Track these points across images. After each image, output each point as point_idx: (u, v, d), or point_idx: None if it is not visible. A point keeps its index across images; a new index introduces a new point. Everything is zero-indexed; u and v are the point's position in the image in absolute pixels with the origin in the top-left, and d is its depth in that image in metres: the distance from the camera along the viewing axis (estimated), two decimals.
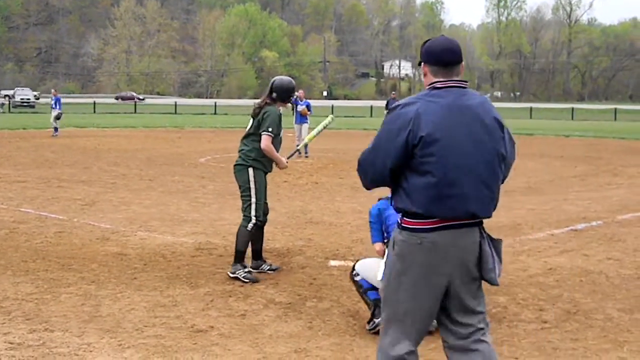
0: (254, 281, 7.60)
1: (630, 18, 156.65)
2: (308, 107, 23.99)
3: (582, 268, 8.33)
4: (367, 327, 6.06)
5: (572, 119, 66.49)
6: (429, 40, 4.14)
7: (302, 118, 23.84)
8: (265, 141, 7.64)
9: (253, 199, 7.71)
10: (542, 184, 16.60)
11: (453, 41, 4.08)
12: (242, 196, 7.83)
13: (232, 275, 7.69)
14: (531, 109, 75.09)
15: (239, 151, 7.93)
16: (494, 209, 4.02)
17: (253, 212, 7.69)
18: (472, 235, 3.95)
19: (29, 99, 70.79)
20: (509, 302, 6.95)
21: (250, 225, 7.68)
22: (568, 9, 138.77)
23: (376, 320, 5.87)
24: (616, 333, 6.04)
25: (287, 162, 7.99)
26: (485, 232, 4.01)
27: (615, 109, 72.01)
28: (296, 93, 24.99)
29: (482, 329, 4.05)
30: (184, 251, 9.03)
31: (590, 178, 18.00)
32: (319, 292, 7.17)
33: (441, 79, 3.97)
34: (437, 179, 3.83)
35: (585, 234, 10.45)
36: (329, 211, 12.22)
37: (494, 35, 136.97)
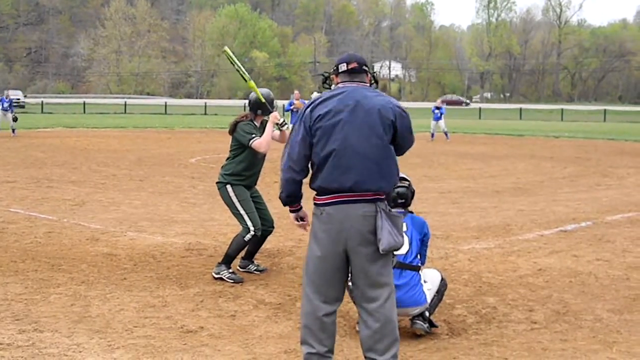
0: (239, 281, 7.61)
1: (619, 19, 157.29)
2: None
3: (571, 269, 8.35)
4: (357, 328, 6.06)
5: (562, 120, 66.64)
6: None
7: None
8: (258, 146, 7.60)
9: (242, 212, 7.71)
10: (532, 185, 16.64)
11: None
12: (232, 213, 7.86)
13: (216, 276, 7.71)
14: (521, 110, 75.31)
15: (221, 167, 8.01)
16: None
17: (249, 224, 7.69)
18: (362, 208, 4.68)
19: (18, 99, 70.59)
20: (498, 303, 6.96)
21: (248, 237, 7.69)
22: (558, 10, 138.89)
23: None
24: (605, 334, 6.06)
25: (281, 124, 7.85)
26: (381, 207, 4.70)
27: (605, 110, 72.20)
28: (294, 93, 25.02)
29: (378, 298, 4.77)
30: (174, 252, 9.03)
31: (580, 179, 18.05)
32: None
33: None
34: None
35: (574, 234, 10.49)
36: None
37: (484, 37, 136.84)
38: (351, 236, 4.69)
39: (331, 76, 5.08)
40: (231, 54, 7.83)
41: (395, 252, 5.88)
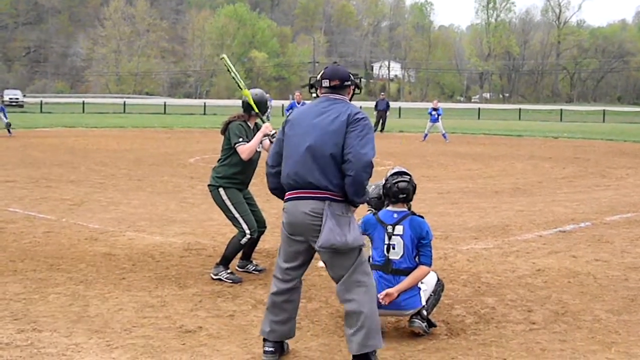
0: (237, 281, 7.61)
1: (619, 20, 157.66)
2: None
3: (570, 269, 8.36)
4: None
5: (561, 120, 66.62)
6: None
7: None
8: (241, 152, 7.62)
9: (237, 215, 7.70)
10: (531, 185, 16.64)
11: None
12: (226, 217, 7.85)
13: (214, 277, 7.70)
14: (520, 110, 75.29)
15: (212, 169, 8.02)
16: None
17: (245, 227, 7.67)
18: (310, 205, 5.07)
19: (17, 99, 70.57)
20: (497, 303, 6.96)
21: (244, 240, 7.68)
22: (557, 10, 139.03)
23: None
24: (604, 334, 6.06)
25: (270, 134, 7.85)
26: (331, 206, 5.03)
27: (604, 110, 72.23)
28: (295, 94, 24.90)
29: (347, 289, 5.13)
30: (173, 251, 9.02)
31: (579, 179, 18.06)
32: (307, 293, 7.16)
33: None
34: None
35: (573, 235, 10.49)
36: None
37: (483, 37, 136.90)
38: (304, 230, 5.15)
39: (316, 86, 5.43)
40: (229, 62, 7.86)
41: (391, 258, 5.94)
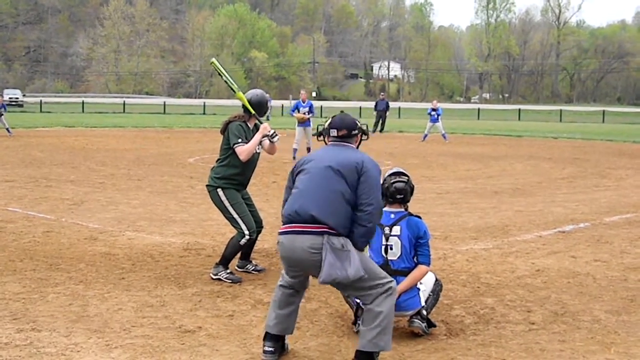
0: (237, 281, 7.61)
1: (618, 20, 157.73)
2: (310, 108, 23.15)
3: (569, 270, 8.36)
4: (354, 328, 6.07)
5: (561, 121, 66.59)
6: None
7: (305, 121, 22.72)
8: (239, 152, 7.62)
9: (236, 215, 7.69)
10: (530, 186, 16.64)
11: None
12: (225, 217, 7.85)
13: (214, 277, 7.70)
14: (519, 110, 75.22)
15: (211, 169, 8.02)
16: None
17: (244, 227, 7.67)
18: (309, 240, 5.09)
19: (17, 98, 70.56)
20: (496, 304, 6.96)
21: (243, 241, 7.68)
22: (557, 11, 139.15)
23: (359, 322, 5.91)
24: (603, 335, 6.06)
25: (273, 137, 7.85)
26: (330, 241, 5.05)
27: (604, 111, 72.20)
28: (300, 94, 24.73)
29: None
30: (172, 251, 9.02)
31: (578, 180, 18.05)
32: (307, 293, 7.13)
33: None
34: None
35: (572, 235, 10.49)
36: None
37: (483, 37, 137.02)
38: (305, 266, 5.23)
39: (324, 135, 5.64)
40: (219, 65, 7.85)
41: (389, 259, 5.97)
